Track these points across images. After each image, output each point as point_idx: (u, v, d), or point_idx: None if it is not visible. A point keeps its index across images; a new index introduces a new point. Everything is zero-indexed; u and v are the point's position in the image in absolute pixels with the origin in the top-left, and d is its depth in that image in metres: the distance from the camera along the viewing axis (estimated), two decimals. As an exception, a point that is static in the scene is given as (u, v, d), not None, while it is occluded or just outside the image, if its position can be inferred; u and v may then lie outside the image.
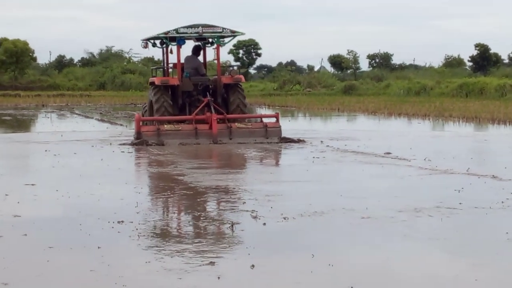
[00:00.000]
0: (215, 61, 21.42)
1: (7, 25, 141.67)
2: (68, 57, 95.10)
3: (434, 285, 6.25)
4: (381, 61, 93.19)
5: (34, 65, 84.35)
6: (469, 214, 9.10)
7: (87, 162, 15.15)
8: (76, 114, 38.81)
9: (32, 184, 11.62)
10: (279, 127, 19.93)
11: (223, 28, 20.54)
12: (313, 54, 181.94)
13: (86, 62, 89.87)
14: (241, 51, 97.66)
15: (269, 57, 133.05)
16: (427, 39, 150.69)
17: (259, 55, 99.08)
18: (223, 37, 20.94)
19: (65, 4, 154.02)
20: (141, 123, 19.41)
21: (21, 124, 30.93)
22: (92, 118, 34.26)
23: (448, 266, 6.84)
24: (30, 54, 78.98)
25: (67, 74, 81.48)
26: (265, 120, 20.41)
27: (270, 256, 7.09)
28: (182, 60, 20.79)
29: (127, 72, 75.68)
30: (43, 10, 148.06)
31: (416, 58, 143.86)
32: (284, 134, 19.68)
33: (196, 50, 21.23)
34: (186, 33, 20.32)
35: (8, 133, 24.74)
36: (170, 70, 21.79)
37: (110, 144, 19.10)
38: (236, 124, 19.84)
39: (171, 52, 21.12)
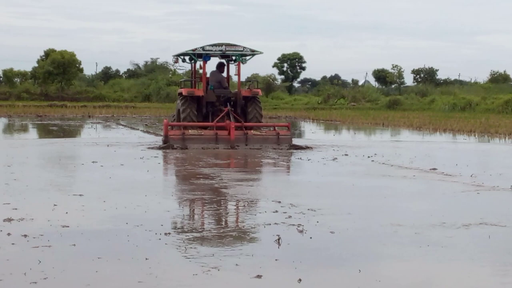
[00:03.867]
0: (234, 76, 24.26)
1: (54, 37, 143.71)
2: (114, 68, 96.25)
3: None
4: (426, 76, 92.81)
5: (80, 76, 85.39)
6: (518, 231, 9.02)
7: (133, 173, 15.26)
8: (122, 125, 39.16)
9: (80, 195, 11.73)
10: (290, 135, 22.47)
11: (244, 47, 23.17)
12: (357, 68, 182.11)
13: (132, 74, 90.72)
14: (285, 65, 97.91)
15: (313, 70, 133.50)
16: (473, 55, 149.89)
17: (303, 68, 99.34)
18: (244, 55, 23.40)
19: (112, 16, 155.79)
20: (168, 128, 21.63)
21: (67, 134, 31.21)
22: (138, 129, 34.52)
23: (496, 284, 6.77)
24: (77, 65, 79.97)
25: (112, 85, 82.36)
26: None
27: (317, 270, 7.08)
28: (208, 75, 23.39)
29: (172, 84, 76.03)
30: (90, 22, 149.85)
31: (461, 73, 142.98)
32: (328, 144, 19.76)
33: (220, 66, 23.81)
34: (211, 50, 23.02)
35: (55, 143, 24.99)
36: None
37: (156, 156, 19.25)
38: (252, 131, 22.35)
39: (200, 67, 23.64)
